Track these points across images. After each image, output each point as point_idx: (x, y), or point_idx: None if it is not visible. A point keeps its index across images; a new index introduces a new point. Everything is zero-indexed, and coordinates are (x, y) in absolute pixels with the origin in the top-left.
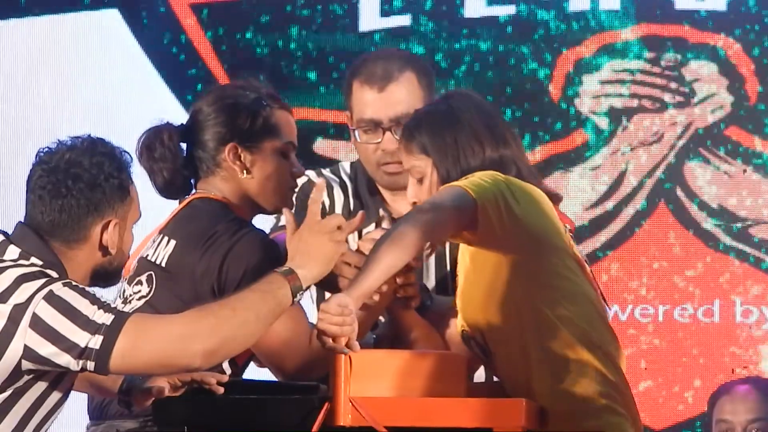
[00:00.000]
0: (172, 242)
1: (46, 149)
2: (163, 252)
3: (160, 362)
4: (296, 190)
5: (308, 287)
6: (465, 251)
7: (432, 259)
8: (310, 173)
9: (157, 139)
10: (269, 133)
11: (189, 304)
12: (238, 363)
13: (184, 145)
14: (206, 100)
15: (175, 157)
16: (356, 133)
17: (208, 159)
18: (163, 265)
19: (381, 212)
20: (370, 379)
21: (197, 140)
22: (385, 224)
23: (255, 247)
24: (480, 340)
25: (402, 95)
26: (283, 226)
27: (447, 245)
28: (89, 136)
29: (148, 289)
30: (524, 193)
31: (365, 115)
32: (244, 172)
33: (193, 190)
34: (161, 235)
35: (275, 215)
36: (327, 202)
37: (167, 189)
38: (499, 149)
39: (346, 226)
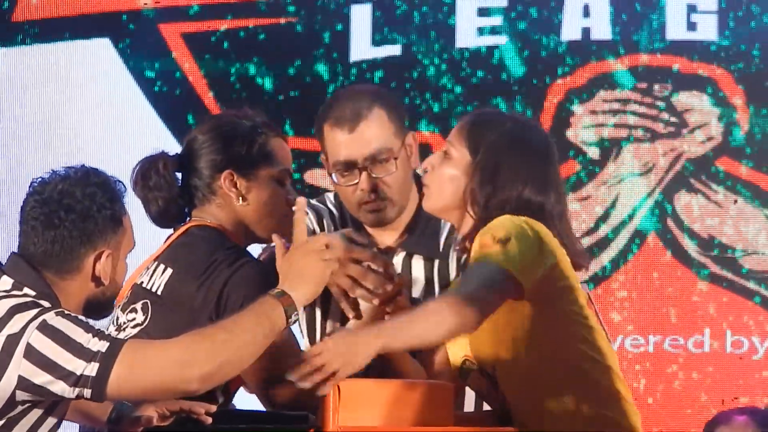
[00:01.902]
0: (169, 270)
1: (40, 179)
2: (159, 280)
3: (156, 388)
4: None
5: (302, 308)
6: None
7: (420, 282)
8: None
9: (152, 168)
10: (265, 161)
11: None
12: (230, 390)
13: (179, 175)
14: (201, 128)
15: (170, 186)
16: (334, 176)
17: (204, 187)
18: (159, 293)
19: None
20: (359, 408)
21: (192, 168)
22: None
23: (254, 277)
24: (490, 372)
25: (373, 133)
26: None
27: (435, 269)
28: (83, 166)
29: (143, 317)
30: (548, 241)
31: (340, 157)
32: (240, 199)
33: (188, 219)
34: (157, 263)
35: (263, 247)
36: (318, 231)
37: (162, 218)
38: (539, 196)
39: (335, 245)
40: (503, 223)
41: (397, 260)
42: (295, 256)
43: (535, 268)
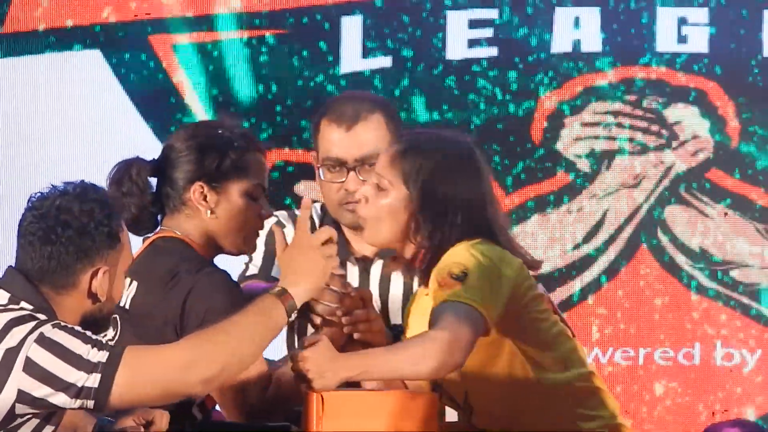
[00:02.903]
0: (135, 284)
1: (39, 194)
2: (126, 294)
3: (159, 393)
4: (262, 232)
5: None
6: (423, 312)
7: (398, 292)
8: (281, 214)
9: (125, 174)
10: (237, 174)
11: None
12: (207, 407)
13: (155, 181)
14: (179, 136)
15: (142, 192)
16: (320, 171)
17: (175, 196)
18: (127, 307)
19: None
20: (342, 419)
21: (167, 177)
22: (350, 265)
23: (216, 286)
24: (458, 396)
25: (369, 136)
26: (251, 275)
27: (414, 279)
28: (82, 182)
29: (113, 333)
30: (504, 265)
31: (331, 153)
32: (209, 212)
33: (159, 227)
34: (124, 277)
35: (245, 263)
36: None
37: (134, 224)
38: (482, 212)
39: (335, 240)
40: (458, 257)
41: (375, 270)
42: (295, 251)
43: (497, 300)
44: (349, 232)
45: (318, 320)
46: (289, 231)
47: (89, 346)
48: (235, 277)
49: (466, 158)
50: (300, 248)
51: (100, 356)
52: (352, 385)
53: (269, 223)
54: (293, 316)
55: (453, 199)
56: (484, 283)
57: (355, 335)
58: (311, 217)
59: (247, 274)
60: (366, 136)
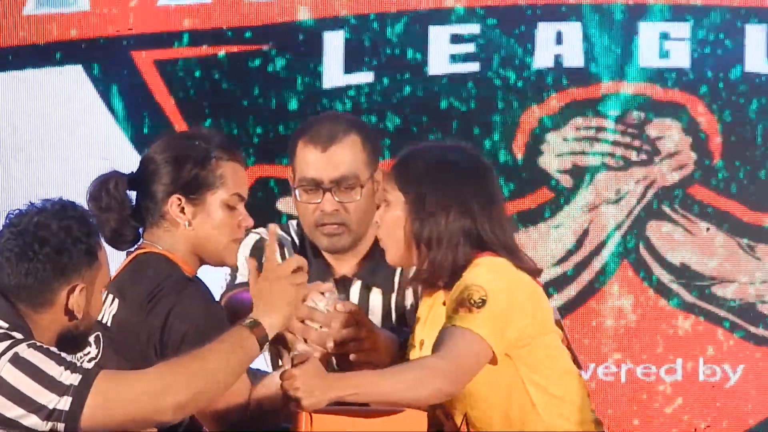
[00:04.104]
0: (116, 301)
1: (17, 212)
2: (108, 311)
3: (131, 419)
4: (246, 242)
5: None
6: (439, 322)
7: (377, 314)
8: (262, 231)
9: (103, 189)
10: (215, 185)
11: (136, 365)
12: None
13: (134, 194)
14: (156, 148)
15: (121, 207)
16: (297, 192)
17: (155, 210)
18: (108, 324)
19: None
20: None
21: (146, 190)
22: (329, 284)
23: (198, 305)
24: (457, 416)
25: (345, 157)
26: (240, 284)
27: (393, 301)
28: (60, 199)
29: (96, 351)
30: (525, 292)
31: (307, 174)
32: (187, 224)
33: (141, 240)
34: (106, 294)
35: (231, 272)
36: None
37: (115, 239)
38: (486, 220)
39: (305, 268)
40: (480, 279)
41: (354, 290)
42: (265, 282)
43: (509, 332)
44: (328, 254)
45: (301, 344)
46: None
47: (62, 368)
48: (220, 290)
49: (466, 165)
50: (269, 279)
51: (72, 378)
52: (342, 404)
53: (252, 238)
54: (266, 346)
55: (449, 204)
56: (500, 314)
57: (351, 356)
58: (291, 237)
59: (236, 282)
60: (341, 157)
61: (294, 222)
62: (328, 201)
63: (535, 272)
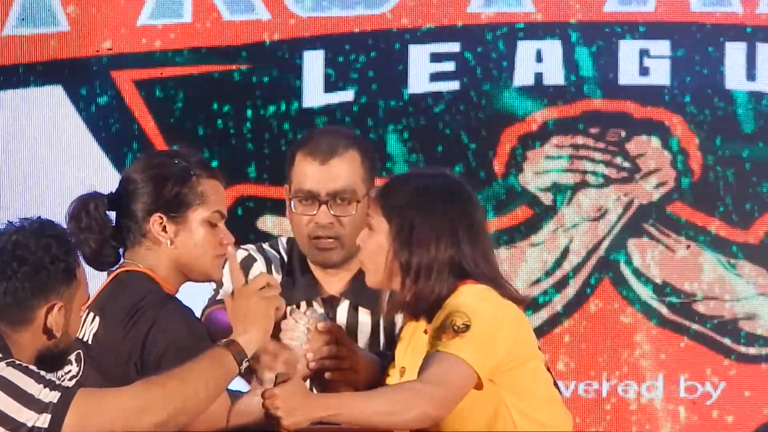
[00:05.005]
0: (97, 319)
1: None
2: (89, 329)
3: None
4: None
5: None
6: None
7: (366, 333)
8: (251, 247)
9: (83, 210)
10: (194, 203)
11: (116, 383)
12: None
13: (114, 215)
14: (135, 167)
15: (102, 227)
16: (292, 203)
17: (136, 229)
18: (90, 343)
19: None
20: None
21: (126, 209)
22: (315, 305)
23: (178, 322)
24: None
25: (343, 171)
26: (220, 300)
27: (381, 321)
28: (39, 218)
29: (77, 369)
30: (509, 316)
31: (304, 186)
32: (169, 242)
33: (122, 260)
34: (88, 311)
35: (215, 287)
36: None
37: (95, 260)
38: (462, 250)
39: (275, 282)
40: (464, 306)
41: (341, 310)
42: (238, 301)
43: (494, 357)
44: (318, 271)
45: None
46: (260, 264)
47: (41, 385)
48: (201, 306)
49: (451, 193)
50: (241, 296)
51: (51, 396)
52: (324, 424)
53: (242, 254)
54: (245, 363)
55: (438, 234)
56: (484, 339)
57: (327, 374)
58: (280, 254)
59: (218, 298)
60: (340, 170)
61: (283, 239)
62: (324, 213)
63: (518, 301)
